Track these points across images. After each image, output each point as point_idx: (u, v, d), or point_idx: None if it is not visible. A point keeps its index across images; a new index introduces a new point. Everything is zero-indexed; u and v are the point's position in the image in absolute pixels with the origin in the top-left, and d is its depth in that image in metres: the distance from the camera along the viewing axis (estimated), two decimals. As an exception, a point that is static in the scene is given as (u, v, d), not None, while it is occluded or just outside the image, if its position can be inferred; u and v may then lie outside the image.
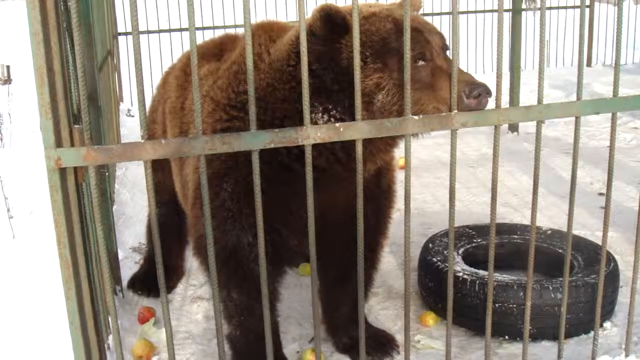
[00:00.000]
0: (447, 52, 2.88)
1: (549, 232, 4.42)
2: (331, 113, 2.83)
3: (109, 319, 3.35)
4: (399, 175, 3.51)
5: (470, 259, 4.14)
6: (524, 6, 8.02)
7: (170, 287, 4.41)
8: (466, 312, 3.73)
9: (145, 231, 4.84)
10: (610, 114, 2.92)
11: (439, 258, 4.00)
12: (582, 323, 3.68)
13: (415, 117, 2.53)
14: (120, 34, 9.19)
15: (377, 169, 3.24)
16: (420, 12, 3.17)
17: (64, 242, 2.37)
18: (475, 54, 11.19)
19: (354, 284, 2.82)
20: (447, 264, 3.73)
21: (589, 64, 11.89)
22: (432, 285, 3.97)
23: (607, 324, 3.82)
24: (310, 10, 2.93)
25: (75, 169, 2.38)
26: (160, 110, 4.00)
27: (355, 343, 3.44)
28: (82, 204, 2.55)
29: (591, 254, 4.03)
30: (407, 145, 2.57)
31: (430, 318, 3.92)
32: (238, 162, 3.01)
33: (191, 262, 4.48)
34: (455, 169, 2.67)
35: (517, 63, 8.05)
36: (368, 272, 3.55)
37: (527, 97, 8.94)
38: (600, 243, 3.20)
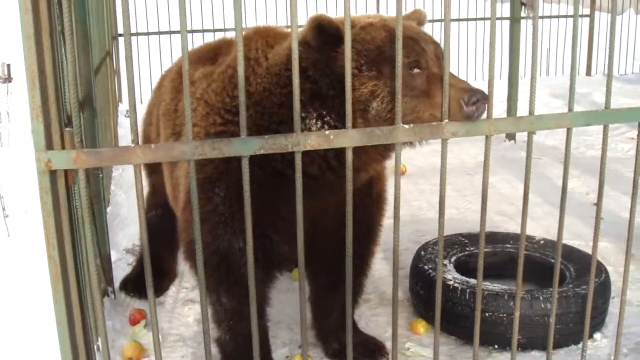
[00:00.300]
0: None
1: (542, 241, 4.43)
2: (325, 119, 2.84)
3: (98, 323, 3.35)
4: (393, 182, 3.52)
5: (463, 267, 4.15)
6: (523, 14, 8.01)
7: (163, 290, 4.42)
8: (456, 320, 3.74)
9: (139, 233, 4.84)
10: (614, 124, 2.91)
11: (430, 266, 4.01)
12: (572, 334, 3.68)
13: (406, 126, 2.53)
14: (120, 34, 9.19)
15: (369, 177, 3.25)
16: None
17: (53, 244, 2.38)
18: (476, 62, 11.19)
19: (344, 290, 2.82)
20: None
21: (588, 74, 11.90)
22: (423, 293, 3.97)
23: (597, 335, 3.83)
24: (302, 15, 2.95)
25: (65, 171, 2.38)
26: (155, 112, 4.01)
27: (344, 348, 3.44)
28: (73, 206, 2.56)
29: (583, 265, 4.03)
30: (398, 154, 2.57)
31: (421, 326, 3.93)
32: (230, 167, 3.01)
33: (184, 264, 4.48)
34: (445, 178, 2.67)
35: (516, 71, 8.06)
36: (358, 279, 3.56)
37: (526, 105, 8.91)
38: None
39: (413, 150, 3.08)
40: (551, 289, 3.06)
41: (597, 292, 3.74)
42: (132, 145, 2.34)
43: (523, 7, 8.05)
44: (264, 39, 3.13)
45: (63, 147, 2.33)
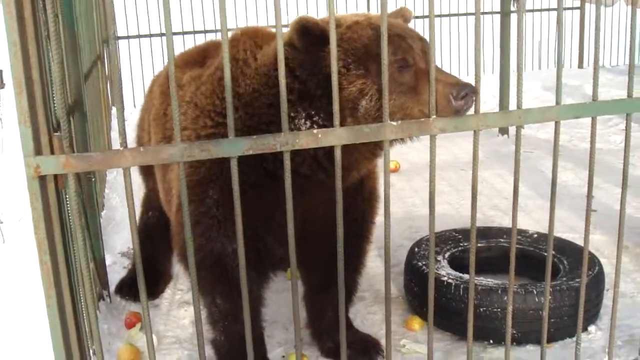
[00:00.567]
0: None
1: (535, 235, 4.44)
2: (314, 119, 2.85)
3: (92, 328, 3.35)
4: (390, 178, 3.52)
5: (457, 263, 4.16)
6: (513, 8, 8.03)
7: (158, 292, 4.43)
8: (451, 316, 3.74)
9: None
10: (607, 116, 2.92)
11: (424, 262, 4.01)
12: (567, 327, 3.70)
13: (394, 123, 2.54)
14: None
15: (360, 176, 3.25)
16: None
17: (45, 249, 2.38)
18: (468, 57, 11.20)
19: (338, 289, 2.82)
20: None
21: (580, 66, 11.92)
22: (417, 290, 3.98)
23: (591, 328, 3.84)
24: (292, 14, 2.95)
25: (55, 176, 2.39)
26: (146, 118, 4.02)
27: (339, 347, 3.46)
28: (65, 210, 2.56)
29: (577, 258, 4.03)
30: (386, 151, 2.58)
31: (416, 322, 3.94)
32: (223, 169, 3.02)
33: (179, 266, 4.48)
34: (435, 174, 2.67)
35: (507, 66, 8.07)
36: (352, 278, 3.57)
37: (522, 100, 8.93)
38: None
39: (406, 147, 3.09)
40: (544, 283, 3.07)
41: (591, 285, 3.75)
42: (121, 148, 2.34)
43: (513, 1, 8.06)
44: (251, 39, 3.14)
45: (52, 152, 2.33)
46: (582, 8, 11.64)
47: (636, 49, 11.64)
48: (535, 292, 3.65)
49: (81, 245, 2.46)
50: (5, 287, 4.42)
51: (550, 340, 3.61)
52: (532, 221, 5.37)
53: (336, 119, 2.47)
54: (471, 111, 2.70)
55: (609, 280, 4.03)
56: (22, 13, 2.20)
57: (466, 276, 3.81)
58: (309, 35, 2.78)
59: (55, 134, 2.36)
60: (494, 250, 4.41)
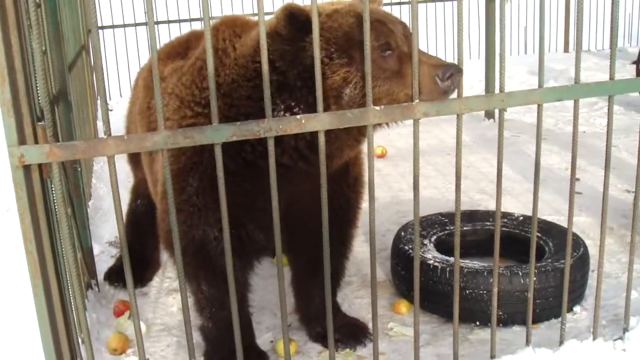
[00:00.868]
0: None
1: (521, 218, 4.47)
2: (294, 110, 2.85)
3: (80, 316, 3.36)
4: (377, 164, 3.55)
5: (444, 247, 4.18)
6: (497, -6, 8.04)
7: (146, 279, 4.44)
8: (437, 299, 3.77)
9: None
10: (592, 100, 2.94)
11: (410, 246, 4.03)
12: (552, 307, 3.73)
13: (377, 108, 2.56)
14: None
15: (344, 163, 3.26)
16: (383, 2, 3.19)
17: (30, 239, 2.39)
18: (453, 43, 11.20)
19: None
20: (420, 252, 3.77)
21: (566, 50, 11.94)
22: (404, 273, 4.00)
23: (577, 308, 3.88)
24: (269, 5, 2.96)
25: (39, 165, 2.39)
26: (133, 110, 4.03)
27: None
28: (50, 200, 2.57)
29: (562, 240, 4.04)
30: (370, 135, 2.60)
31: (403, 306, 3.96)
32: (203, 158, 3.03)
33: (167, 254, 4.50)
34: (418, 159, 2.70)
35: (492, 50, 8.08)
36: (339, 262, 3.59)
37: (507, 82, 8.95)
38: (573, 229, 3.25)
39: (392, 132, 3.10)
40: (530, 264, 3.11)
41: (576, 266, 3.78)
42: (105, 137, 2.35)
43: (498, -14, 8.08)
44: (231, 28, 3.12)
45: (36, 142, 2.34)
46: (567, -8, 11.67)
47: (618, 31, 11.67)
48: (520, 274, 3.68)
49: (67, 234, 2.47)
50: (-6, 278, 4.42)
51: (536, 321, 3.64)
52: (519, 204, 5.40)
53: (319, 105, 2.49)
54: (454, 95, 2.72)
55: (594, 261, 4.06)
56: (3, 2, 2.20)
57: (452, 259, 3.82)
58: (296, 22, 2.78)
59: (39, 123, 2.37)
60: (480, 233, 4.44)
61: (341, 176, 3.33)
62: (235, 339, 2.66)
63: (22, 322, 3.80)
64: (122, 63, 9.55)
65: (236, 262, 3.07)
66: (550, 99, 2.89)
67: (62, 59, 3.86)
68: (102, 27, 9.31)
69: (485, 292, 3.68)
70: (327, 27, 2.82)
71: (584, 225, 4.99)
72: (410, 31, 2.90)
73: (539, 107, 2.89)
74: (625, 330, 3.32)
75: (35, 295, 2.44)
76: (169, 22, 9.70)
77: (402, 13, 7.60)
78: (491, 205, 5.44)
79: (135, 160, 4.29)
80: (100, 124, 7.68)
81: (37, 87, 2.49)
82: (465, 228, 4.35)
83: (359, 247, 4.51)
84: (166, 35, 7.54)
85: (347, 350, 3.59)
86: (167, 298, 4.27)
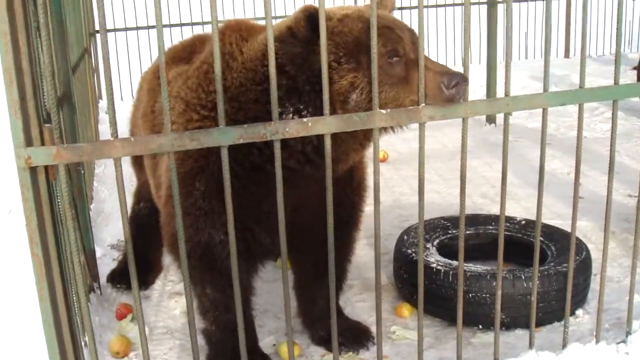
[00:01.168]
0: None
1: (523, 222, 4.48)
2: (302, 114, 2.86)
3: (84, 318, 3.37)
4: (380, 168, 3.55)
5: (446, 250, 4.19)
6: (499, -1, 8.06)
7: (149, 283, 4.44)
8: (440, 303, 3.78)
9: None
10: (593, 105, 2.95)
11: (413, 249, 4.04)
12: (555, 311, 3.74)
13: (383, 111, 2.56)
14: (98, 31, 9.11)
15: (349, 167, 3.28)
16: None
17: (36, 241, 2.39)
18: (455, 47, 11.22)
19: (328, 277, 2.86)
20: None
21: (567, 56, 11.95)
22: (406, 277, 4.01)
23: (579, 312, 3.89)
24: (275, 9, 2.96)
25: (46, 167, 2.39)
26: (136, 115, 4.03)
27: (331, 336, 3.49)
28: (55, 202, 2.57)
29: (565, 244, 4.07)
30: (376, 139, 2.61)
31: (406, 309, 3.97)
32: (210, 161, 3.04)
33: (169, 258, 4.49)
34: (423, 162, 2.70)
35: (494, 55, 8.10)
36: (342, 266, 3.59)
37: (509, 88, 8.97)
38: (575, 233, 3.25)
39: (394, 137, 3.12)
40: (533, 268, 3.11)
41: (578, 270, 3.79)
42: (112, 139, 2.36)
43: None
44: (237, 32, 3.14)
45: (43, 144, 2.34)
46: (568, -3, 11.68)
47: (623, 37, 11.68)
48: (523, 277, 3.69)
49: (73, 237, 2.47)
50: (-3, 281, 4.42)
51: (538, 324, 3.65)
52: (521, 209, 5.41)
53: (326, 108, 2.49)
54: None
55: (596, 265, 4.07)
56: (12, 4, 2.20)
57: (455, 263, 3.84)
58: (313, 24, 2.77)
59: (46, 125, 2.37)
60: (483, 237, 4.45)
61: (345, 180, 3.34)
62: (239, 342, 2.66)
63: (25, 324, 3.80)
64: (123, 67, 9.56)
65: (242, 265, 3.07)
66: (555, 103, 2.90)
67: (66, 61, 3.87)
68: (105, 31, 9.30)
69: (488, 295, 3.68)
70: (338, 31, 2.83)
71: (586, 229, 5.00)
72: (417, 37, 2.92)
73: (544, 111, 2.89)
74: (628, 333, 3.33)
75: (40, 298, 2.44)
76: (170, 25, 9.70)
77: (405, 18, 7.62)
78: (493, 210, 5.45)
79: (138, 163, 4.29)
80: (101, 127, 7.69)
81: (43, 89, 2.50)
82: (467, 232, 4.35)
83: (361, 251, 4.51)
84: (168, 39, 7.54)
85: (350, 353, 3.60)
86: (169, 301, 4.27)
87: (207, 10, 9.85)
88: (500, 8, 8.15)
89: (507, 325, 3.70)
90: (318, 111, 2.76)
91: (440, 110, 2.66)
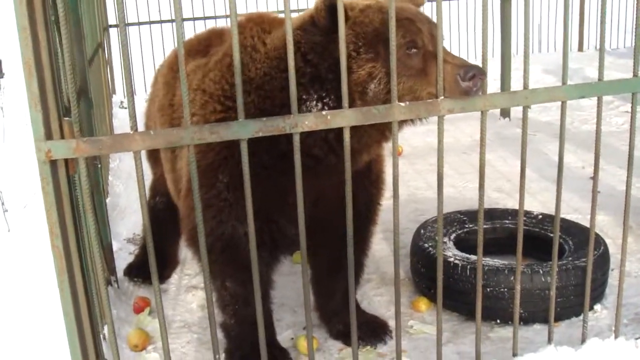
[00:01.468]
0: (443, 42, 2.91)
1: (540, 216, 4.46)
2: (324, 101, 2.88)
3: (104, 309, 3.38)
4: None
5: (463, 245, 4.18)
6: (514, -8, 8.02)
7: (165, 277, 4.45)
8: (458, 297, 3.77)
9: (140, 222, 4.87)
10: (608, 99, 2.93)
11: (430, 244, 4.03)
12: (573, 306, 3.72)
13: (402, 104, 2.56)
14: (111, 26, 9.16)
15: (369, 160, 3.28)
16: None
17: (57, 233, 2.40)
18: (467, 41, 11.19)
19: (346, 271, 2.86)
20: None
21: (580, 49, 11.89)
22: (424, 271, 4.00)
23: (597, 307, 3.86)
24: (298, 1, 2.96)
25: (66, 160, 2.40)
26: (152, 109, 4.03)
27: (348, 329, 3.48)
28: (74, 195, 2.57)
29: (582, 238, 4.06)
30: (395, 132, 2.60)
31: (423, 303, 3.96)
32: (234, 152, 3.03)
33: (186, 251, 4.50)
34: (442, 155, 2.70)
35: (508, 49, 8.06)
36: (359, 259, 3.58)
37: (520, 82, 8.92)
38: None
39: (409, 131, 3.12)
40: (551, 263, 3.10)
41: (597, 265, 3.77)
42: (131, 132, 2.36)
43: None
44: (258, 25, 3.16)
45: (62, 137, 2.35)
46: (582, -9, 11.60)
47: (630, 31, 11.58)
48: (541, 272, 3.67)
49: (93, 230, 2.47)
50: (13, 276, 4.44)
51: (557, 319, 3.63)
52: (537, 203, 5.39)
53: (345, 101, 2.49)
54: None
55: (613, 260, 4.05)
56: (32, -2, 2.21)
57: (472, 257, 3.83)
58: (334, 13, 2.78)
59: (66, 118, 2.37)
60: (499, 232, 4.44)
61: (363, 174, 3.34)
62: (259, 336, 2.66)
63: (42, 320, 3.82)
64: (136, 61, 9.56)
65: (265, 258, 3.08)
66: (575, 95, 2.88)
67: (82, 55, 3.87)
68: (117, 26, 9.32)
69: (506, 290, 3.67)
70: (359, 21, 2.85)
71: (602, 224, 4.97)
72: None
73: (563, 104, 2.87)
74: (647, 328, 3.31)
75: (61, 290, 2.45)
76: (183, 20, 9.69)
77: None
78: (509, 204, 5.43)
79: (154, 157, 4.30)
80: (115, 122, 7.72)
81: (60, 82, 2.50)
82: (484, 226, 4.32)
83: (377, 245, 4.51)
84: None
85: (368, 347, 3.60)
86: (186, 295, 4.27)
87: (220, 4, 9.88)
88: (514, 1, 8.12)
89: (525, 320, 3.69)
90: (340, 99, 2.77)
91: (459, 103, 2.65)
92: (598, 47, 2.92)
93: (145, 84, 8.38)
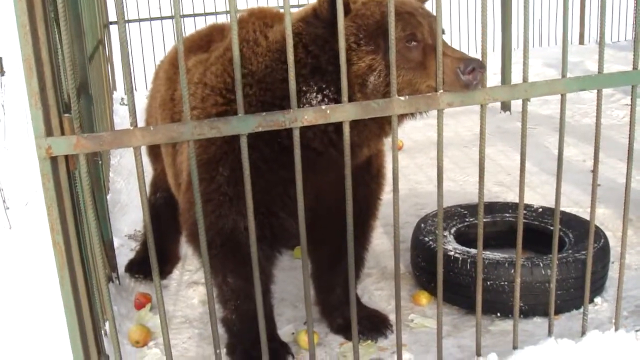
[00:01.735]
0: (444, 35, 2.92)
1: (540, 209, 4.47)
2: (325, 92, 2.90)
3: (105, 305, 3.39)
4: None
5: (463, 238, 4.19)
6: (514, -14, 8.01)
7: (166, 272, 4.46)
8: (458, 290, 3.77)
9: (141, 218, 4.87)
10: (608, 92, 2.93)
11: (430, 237, 4.04)
12: (573, 299, 3.72)
13: (402, 98, 2.56)
14: (112, 22, 9.16)
15: (369, 154, 3.28)
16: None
17: (57, 229, 2.40)
18: (468, 35, 11.18)
19: (346, 265, 2.87)
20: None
21: (581, 42, 11.88)
22: (424, 265, 4.01)
23: (597, 299, 3.87)
24: None
25: (66, 157, 2.41)
26: (153, 104, 4.04)
27: (349, 323, 3.49)
28: (75, 191, 2.58)
29: (582, 231, 4.06)
30: (394, 126, 2.60)
31: (424, 297, 3.96)
32: (235, 146, 3.04)
33: (186, 247, 4.50)
34: (442, 149, 2.70)
35: (509, 43, 8.06)
36: (359, 253, 3.59)
37: (520, 76, 8.92)
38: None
39: (409, 125, 3.12)
40: (551, 256, 3.10)
41: (597, 257, 3.77)
42: (132, 128, 2.36)
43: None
44: (260, 20, 3.18)
45: (62, 133, 2.36)
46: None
47: (629, 25, 11.56)
48: (541, 265, 3.68)
49: (94, 226, 2.48)
50: (15, 273, 4.45)
51: (557, 312, 3.63)
52: (537, 196, 5.39)
53: (344, 95, 2.50)
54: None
55: (613, 252, 4.06)
56: (31, -5, 2.21)
57: (473, 250, 3.84)
58: (336, 7, 2.79)
59: (66, 115, 2.38)
60: (500, 225, 4.44)
61: (363, 168, 3.35)
62: (260, 331, 2.67)
63: (43, 317, 3.83)
64: (137, 58, 9.57)
65: (266, 252, 3.08)
66: (575, 88, 2.88)
67: (83, 52, 3.88)
68: (117, 22, 9.32)
69: (506, 283, 3.67)
70: (361, 14, 2.87)
71: (602, 217, 4.98)
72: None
73: (563, 97, 2.88)
74: (647, 320, 3.32)
75: (62, 286, 2.45)
76: (183, 16, 9.69)
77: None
78: (509, 197, 5.44)
79: (154, 153, 4.30)
80: (116, 119, 7.72)
81: (60, 79, 2.50)
82: (484, 220, 4.33)
83: (377, 239, 4.51)
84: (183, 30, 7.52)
85: (369, 341, 3.60)
86: (187, 290, 4.28)
87: (221, 0, 9.87)
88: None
89: (526, 313, 3.70)
90: (340, 91, 2.78)
91: (459, 97, 2.66)
92: (598, 40, 2.92)
93: (146, 81, 8.39)
